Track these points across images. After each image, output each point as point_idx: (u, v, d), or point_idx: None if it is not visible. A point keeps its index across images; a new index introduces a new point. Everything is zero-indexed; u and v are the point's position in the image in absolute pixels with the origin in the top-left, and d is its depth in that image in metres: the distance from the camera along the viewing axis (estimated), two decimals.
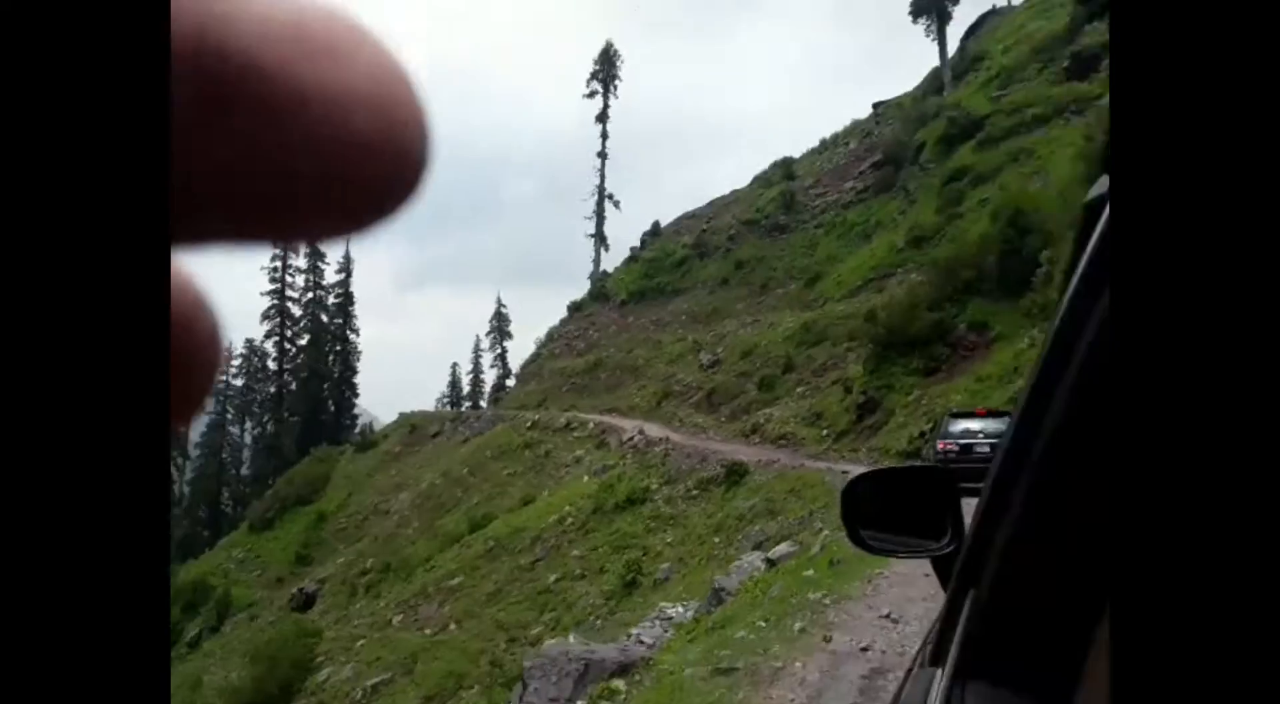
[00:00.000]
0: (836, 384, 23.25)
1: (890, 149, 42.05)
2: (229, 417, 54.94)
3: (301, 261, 50.16)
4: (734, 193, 52.58)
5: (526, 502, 23.20)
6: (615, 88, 51.32)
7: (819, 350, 29.19)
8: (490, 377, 65.26)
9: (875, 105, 49.58)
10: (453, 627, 15.89)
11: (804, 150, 52.96)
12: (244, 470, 54.81)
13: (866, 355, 19.57)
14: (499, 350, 68.29)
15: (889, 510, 1.58)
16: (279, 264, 48.32)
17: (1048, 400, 0.64)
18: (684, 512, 15.34)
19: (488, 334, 68.02)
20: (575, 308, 48.98)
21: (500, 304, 68.55)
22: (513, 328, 66.20)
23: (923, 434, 14.35)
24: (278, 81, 0.16)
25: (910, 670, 1.35)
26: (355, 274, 52.55)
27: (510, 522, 19.78)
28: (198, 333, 0.17)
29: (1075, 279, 0.64)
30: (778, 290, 40.48)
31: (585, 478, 22.88)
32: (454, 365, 67.98)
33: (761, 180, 51.07)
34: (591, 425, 29.46)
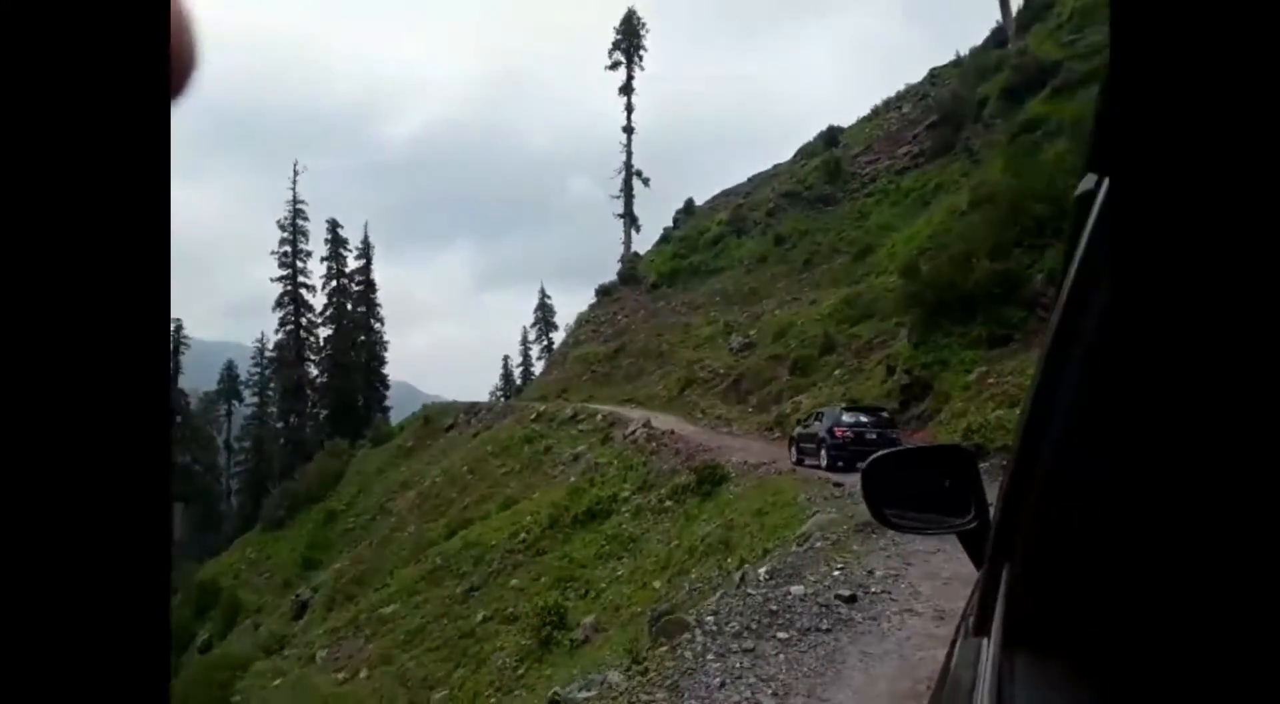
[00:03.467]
0: (881, 365, 19.08)
1: (948, 108, 36.87)
2: (270, 411, 53.67)
3: (322, 248, 48.27)
4: (775, 167, 48.04)
5: (507, 506, 19.83)
6: (640, 59, 47.48)
7: (864, 327, 24.88)
8: (539, 369, 63.30)
9: (932, 70, 44.16)
10: (363, 674, 12.59)
11: (854, 120, 47.65)
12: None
13: (911, 324, 15.28)
14: (545, 342, 66.70)
15: (911, 489, 1.63)
16: (289, 248, 46.37)
17: (1058, 381, 0.67)
18: (647, 530, 11.62)
19: (533, 326, 67.36)
20: (604, 292, 45.43)
21: (544, 295, 67.80)
22: (564, 320, 64.07)
23: (801, 421, 15.39)
24: None
25: (954, 641, 1.28)
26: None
27: (468, 535, 16.42)
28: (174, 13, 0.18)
29: (1072, 270, 0.68)
30: (822, 266, 36.01)
31: (573, 479, 19.35)
32: (505, 357, 67.34)
33: (805, 151, 46.39)
34: (600, 418, 25.85)
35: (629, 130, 49.01)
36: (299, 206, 46.73)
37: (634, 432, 21.24)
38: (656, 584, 9.14)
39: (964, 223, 16.65)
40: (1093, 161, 0.64)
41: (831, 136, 44.53)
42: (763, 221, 41.71)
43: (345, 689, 12.28)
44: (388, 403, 53.00)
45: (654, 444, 17.97)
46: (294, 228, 46.52)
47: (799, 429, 14.84)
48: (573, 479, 19.02)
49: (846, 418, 13.05)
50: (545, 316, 66.90)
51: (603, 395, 32.93)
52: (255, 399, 54.28)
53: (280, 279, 46.21)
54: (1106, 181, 0.60)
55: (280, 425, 50.39)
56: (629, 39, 48.03)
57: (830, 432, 12.70)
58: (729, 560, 7.86)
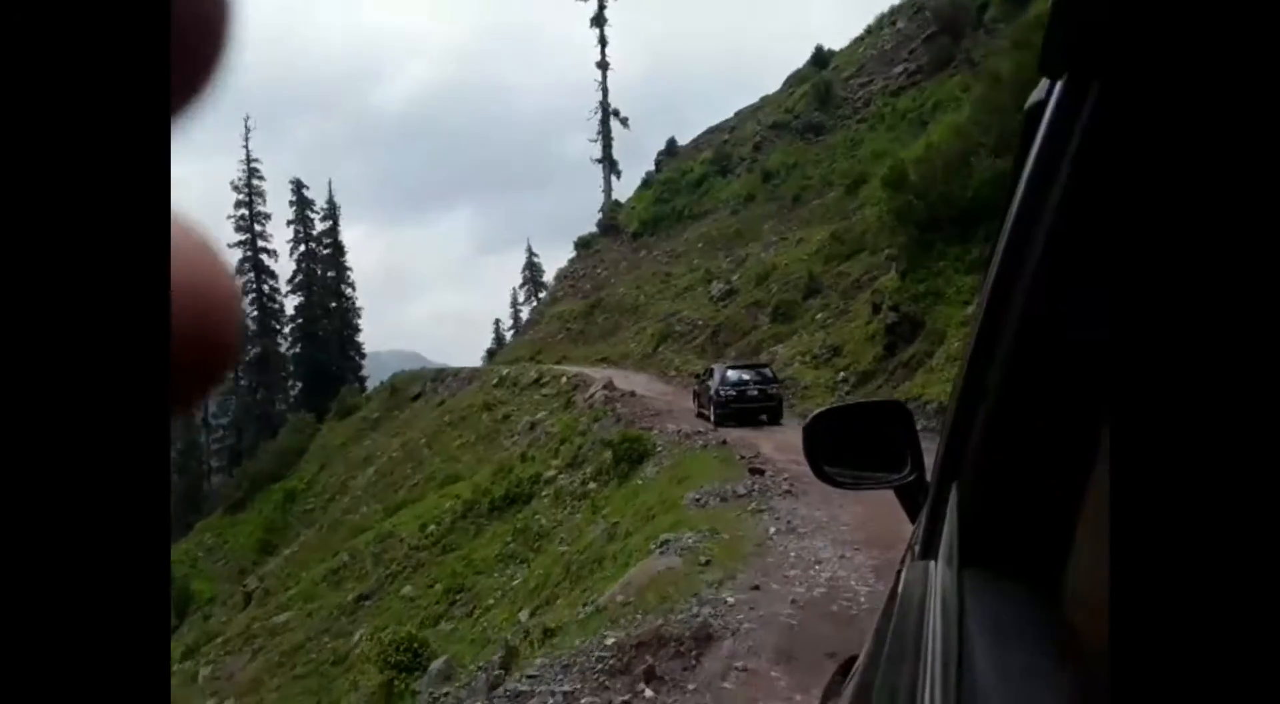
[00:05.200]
0: (868, 303, 16.34)
1: (947, 17, 33.30)
2: (244, 384, 51.37)
3: (286, 210, 45.28)
4: (762, 99, 44.38)
5: (446, 483, 17.34)
6: None
7: (854, 264, 22.00)
8: None
9: None
10: None
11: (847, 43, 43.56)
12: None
13: (899, 249, 12.42)
14: (534, 303, 64.38)
15: (849, 445, 1.65)
16: (245, 211, 43.38)
17: (1011, 289, 0.67)
18: (559, 523, 9.06)
19: (521, 287, 65.62)
20: (583, 244, 42.43)
21: (531, 254, 65.94)
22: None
23: (699, 376, 15.80)
24: None
25: (899, 570, 1.30)
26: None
27: (383, 525, 13.87)
28: (215, 297, 0.17)
29: (1021, 186, 0.66)
30: (813, 202, 32.89)
31: (520, 451, 16.79)
32: (496, 321, 65.22)
33: (794, 79, 42.67)
34: (565, 380, 23.20)
35: (604, 66, 45.37)
36: (254, 165, 43.65)
37: (592, 395, 18.56)
38: (523, 615, 6.62)
39: (962, 119, 13.64)
40: (1045, 65, 0.59)
41: (820, 59, 40.89)
42: (749, 158, 38.45)
43: None
44: (365, 373, 50.61)
45: (610, 408, 15.31)
46: (249, 188, 43.48)
47: (697, 384, 15.23)
48: (519, 453, 16.43)
49: (730, 375, 13.33)
50: (534, 276, 64.95)
51: (576, 355, 30.36)
52: (231, 374, 52.00)
53: (239, 244, 43.30)
54: (1059, 86, 0.59)
55: (250, 399, 48.05)
56: None
57: (716, 390, 12.86)
58: (576, 588, 5.24)
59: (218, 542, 32.59)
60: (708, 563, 4.97)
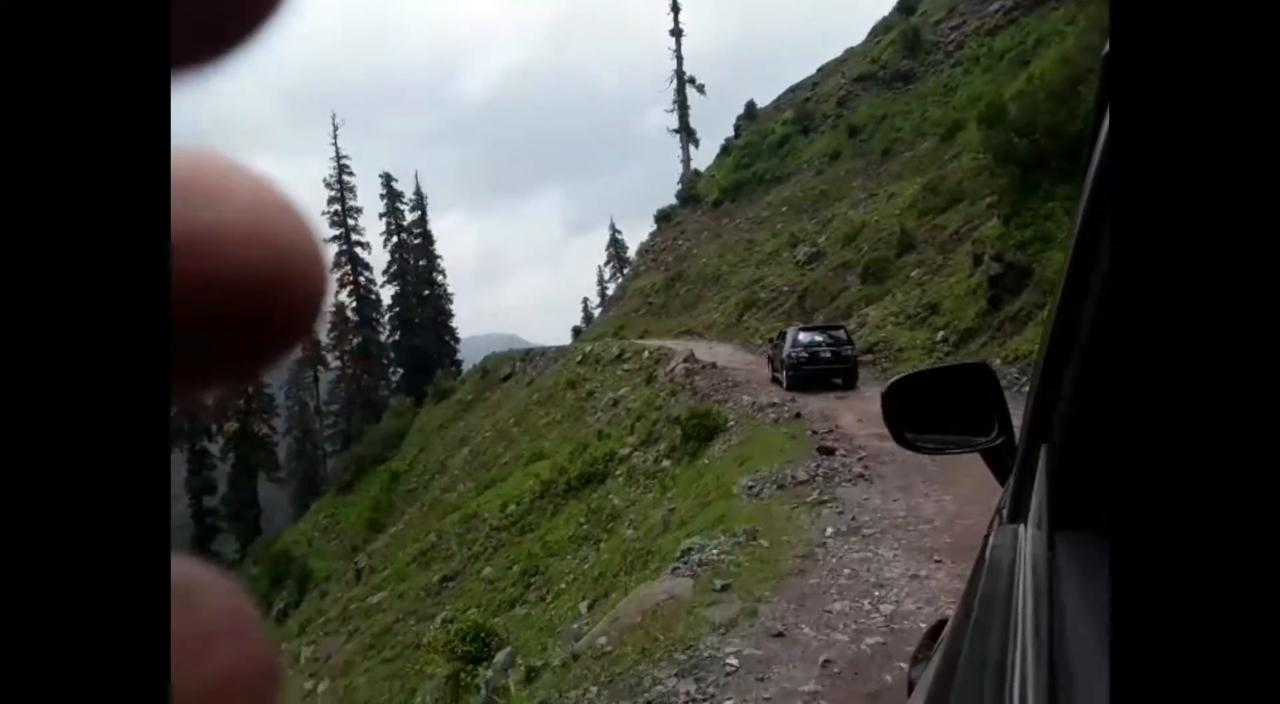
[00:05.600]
0: (969, 255, 15.09)
1: None
2: (351, 373, 53.93)
3: (378, 204, 46.81)
4: (846, 51, 42.09)
5: (532, 460, 17.34)
6: None
7: (951, 215, 20.48)
8: None
9: None
10: (323, 685, 10.40)
11: None
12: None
13: (1001, 192, 11.26)
14: (620, 279, 64.82)
15: (932, 411, 1.57)
16: (339, 207, 44.99)
17: (1094, 249, 0.64)
18: (632, 503, 8.67)
19: (606, 264, 66.37)
20: (663, 217, 41.76)
21: (615, 231, 66.52)
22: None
23: (772, 339, 15.64)
24: None
25: (988, 534, 1.25)
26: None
27: (469, 506, 13.94)
28: (292, 245, 0.16)
29: (1105, 131, 0.64)
30: (904, 154, 31.02)
31: (603, 427, 16.57)
32: (584, 300, 66.23)
33: (879, 28, 40.25)
34: (646, 355, 22.85)
35: (677, 33, 44.18)
36: (343, 162, 45.18)
37: (673, 369, 18.09)
38: (583, 606, 6.25)
39: (1060, 48, 12.18)
40: None
41: (907, 5, 38.32)
42: (833, 114, 36.61)
43: None
44: (461, 357, 52.03)
45: (689, 381, 14.82)
46: (340, 184, 45.07)
47: (770, 348, 14.91)
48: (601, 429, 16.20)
49: (802, 337, 12.88)
50: (618, 253, 65.35)
51: (658, 328, 29.94)
52: (338, 363, 54.57)
53: (333, 239, 45.04)
54: None
55: (354, 387, 50.32)
56: None
57: (787, 352, 12.50)
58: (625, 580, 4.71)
59: (331, 521, 34.35)
60: (725, 588, 3.85)
